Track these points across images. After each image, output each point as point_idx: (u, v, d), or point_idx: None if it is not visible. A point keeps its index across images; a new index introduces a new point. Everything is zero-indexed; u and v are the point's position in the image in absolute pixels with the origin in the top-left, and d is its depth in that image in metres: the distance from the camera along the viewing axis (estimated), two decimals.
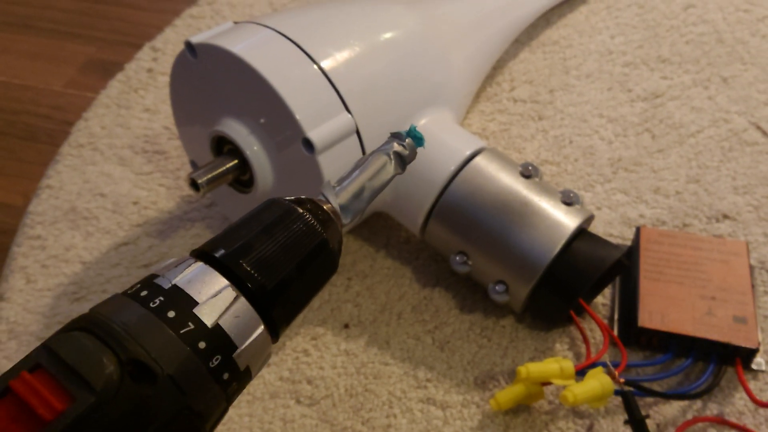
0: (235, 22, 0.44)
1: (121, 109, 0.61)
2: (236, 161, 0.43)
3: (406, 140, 0.28)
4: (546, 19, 0.65)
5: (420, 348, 0.44)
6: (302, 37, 0.41)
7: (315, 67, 0.40)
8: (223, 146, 0.44)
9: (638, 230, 0.46)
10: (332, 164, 0.40)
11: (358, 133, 0.41)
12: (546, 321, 0.44)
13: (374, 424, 0.41)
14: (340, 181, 0.27)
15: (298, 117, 0.39)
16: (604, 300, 0.45)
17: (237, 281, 0.23)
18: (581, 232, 0.41)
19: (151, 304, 0.22)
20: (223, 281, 0.23)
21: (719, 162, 0.52)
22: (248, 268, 0.23)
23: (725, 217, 0.49)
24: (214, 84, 0.43)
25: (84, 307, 0.48)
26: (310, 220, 0.25)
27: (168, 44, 0.67)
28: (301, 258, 0.24)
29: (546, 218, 0.41)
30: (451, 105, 0.47)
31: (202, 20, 0.70)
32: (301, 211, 0.25)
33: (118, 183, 0.55)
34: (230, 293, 0.23)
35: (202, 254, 0.24)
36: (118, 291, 0.48)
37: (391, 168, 0.28)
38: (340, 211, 0.26)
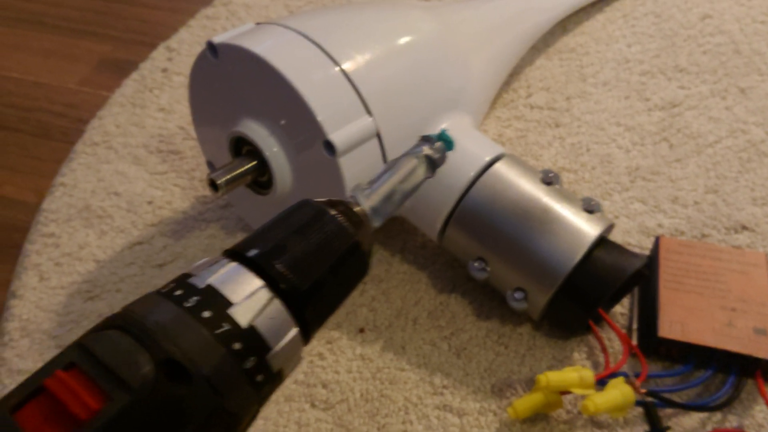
0: (257, 24, 0.44)
1: (135, 108, 0.61)
2: (255, 162, 0.43)
3: (436, 144, 0.28)
4: (563, 27, 0.65)
5: (436, 354, 0.44)
6: (324, 38, 0.41)
7: (336, 69, 0.40)
8: (242, 147, 0.44)
9: (657, 240, 0.45)
10: (353, 167, 0.40)
11: (378, 136, 0.41)
12: (564, 329, 0.44)
13: (390, 429, 0.40)
14: (371, 183, 0.27)
15: (319, 119, 0.39)
16: (622, 309, 0.45)
17: (270, 282, 0.23)
18: (602, 241, 0.41)
19: (186, 304, 0.21)
20: (258, 282, 0.23)
21: (737, 173, 0.52)
22: (282, 269, 0.23)
23: (744, 228, 0.49)
24: (234, 85, 0.43)
25: (97, 306, 0.48)
26: (343, 222, 0.25)
27: (183, 44, 0.67)
28: (334, 260, 0.24)
29: (567, 226, 0.41)
30: (470, 110, 0.47)
31: (218, 21, 0.70)
32: (333, 212, 0.25)
33: (132, 182, 0.55)
34: (265, 294, 0.22)
35: (235, 254, 0.24)
36: (132, 290, 0.48)
37: (421, 171, 0.28)
38: (371, 213, 0.26)
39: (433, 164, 0.28)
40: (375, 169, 0.42)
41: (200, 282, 0.22)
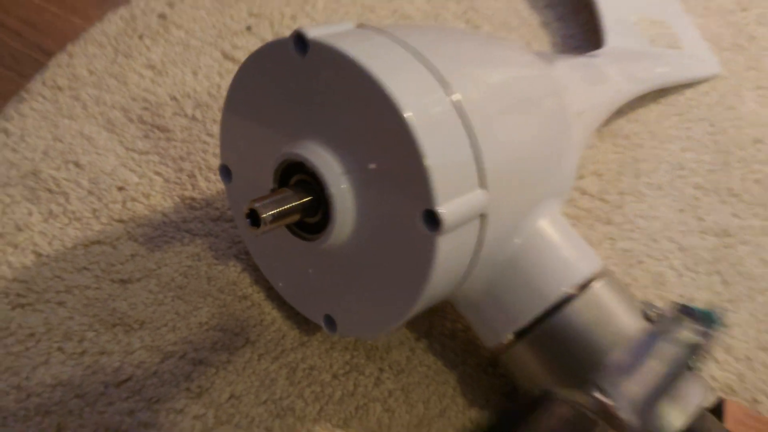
0: (359, 25, 0.33)
1: (118, 56, 0.48)
2: (310, 198, 0.33)
3: (702, 324, 0.20)
4: (618, 109, 0.59)
5: None
6: (456, 79, 0.31)
7: (462, 124, 0.31)
8: (292, 175, 0.33)
9: (721, 403, 0.39)
10: (448, 251, 0.31)
11: (485, 218, 0.32)
12: None
13: None
14: (622, 372, 0.18)
15: (434, 183, 0.29)
16: None
17: None
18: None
19: None
20: None
21: None
22: None
23: None
24: (312, 94, 0.32)
25: (30, 320, 0.35)
26: None
27: None
28: None
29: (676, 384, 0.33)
30: (565, 196, 0.39)
31: None
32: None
33: (101, 154, 0.42)
34: None
35: None
36: (80, 308, 0.36)
37: (688, 365, 0.19)
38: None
39: (698, 351, 0.20)
40: (465, 258, 0.33)
41: None
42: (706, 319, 0.21)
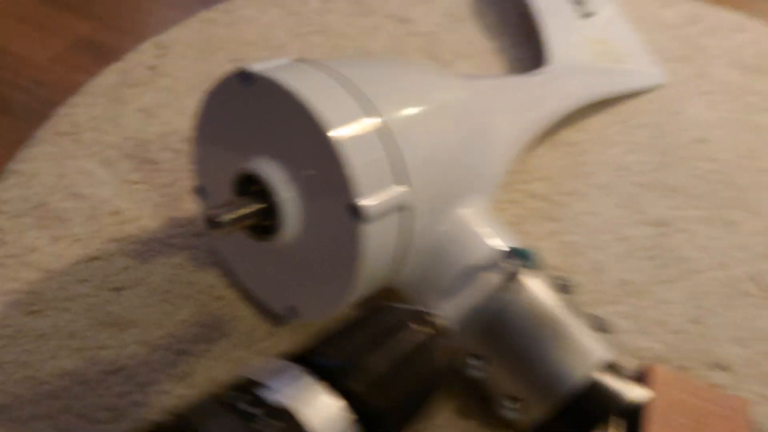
0: (297, 59, 0.40)
1: (113, 103, 0.56)
2: (263, 206, 0.39)
3: (520, 259, 0.26)
4: (564, 119, 0.65)
5: None
6: (373, 93, 0.38)
7: (382, 128, 0.37)
8: (249, 186, 0.40)
9: (649, 368, 0.44)
10: (375, 239, 0.37)
11: (409, 210, 0.38)
12: None
13: None
14: (449, 295, 0.24)
15: (352, 180, 0.35)
16: None
17: (348, 401, 0.20)
18: (609, 365, 0.40)
19: (256, 426, 0.18)
20: (337, 403, 0.19)
21: (719, 308, 0.52)
22: (362, 390, 0.20)
23: (720, 366, 0.49)
24: (259, 118, 0.39)
25: (39, 323, 0.42)
26: (427, 341, 0.22)
27: (176, 44, 0.62)
28: (415, 381, 0.21)
29: (578, 342, 0.39)
30: (489, 190, 0.45)
31: (216, 27, 0.65)
32: (416, 327, 0.22)
33: (98, 186, 0.50)
34: (344, 418, 0.19)
35: (309, 363, 0.20)
36: (82, 312, 0.42)
37: (508, 291, 0.25)
38: (453, 329, 0.23)
39: (513, 279, 0.26)
40: (397, 245, 0.39)
41: (271, 395, 0.18)
42: (521, 255, 0.26)
